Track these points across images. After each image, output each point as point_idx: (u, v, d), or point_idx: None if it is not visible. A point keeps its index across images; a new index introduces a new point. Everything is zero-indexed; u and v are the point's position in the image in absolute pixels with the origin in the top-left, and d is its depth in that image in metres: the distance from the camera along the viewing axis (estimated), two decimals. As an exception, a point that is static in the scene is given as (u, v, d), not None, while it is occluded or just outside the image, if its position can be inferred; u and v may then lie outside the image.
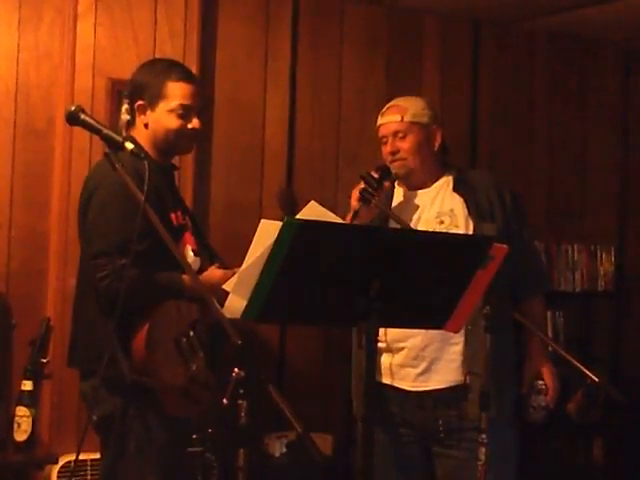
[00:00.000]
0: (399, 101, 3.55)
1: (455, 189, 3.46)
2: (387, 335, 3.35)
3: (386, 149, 3.49)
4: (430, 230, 3.28)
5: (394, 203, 3.51)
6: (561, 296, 5.22)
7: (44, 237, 4.19)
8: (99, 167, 3.09)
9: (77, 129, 2.88)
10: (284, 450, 4.36)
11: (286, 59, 4.71)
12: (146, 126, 3.17)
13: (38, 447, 4.06)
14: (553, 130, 5.39)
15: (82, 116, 2.73)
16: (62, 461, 4.04)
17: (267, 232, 2.39)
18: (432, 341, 3.30)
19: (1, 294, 4.08)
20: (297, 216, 2.82)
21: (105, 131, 2.70)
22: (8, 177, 4.15)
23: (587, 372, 2.85)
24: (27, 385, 4.02)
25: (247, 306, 2.40)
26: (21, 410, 3.99)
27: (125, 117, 3.24)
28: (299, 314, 2.55)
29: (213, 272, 3.10)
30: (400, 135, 3.46)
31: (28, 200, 4.18)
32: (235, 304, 2.47)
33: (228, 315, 2.42)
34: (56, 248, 4.17)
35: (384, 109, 3.54)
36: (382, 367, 3.39)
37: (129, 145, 2.67)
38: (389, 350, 3.38)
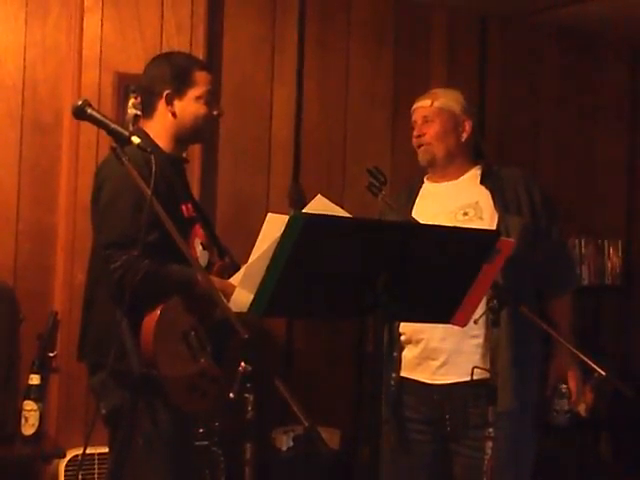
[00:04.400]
0: (435, 89, 3.62)
1: (482, 182, 3.46)
2: (407, 327, 3.36)
3: (414, 134, 3.51)
4: (437, 224, 3.26)
5: (420, 195, 3.51)
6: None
7: (51, 231, 4.20)
8: (108, 159, 3.10)
9: (84, 124, 2.88)
10: (291, 444, 4.36)
11: (293, 53, 4.71)
12: (174, 115, 3.19)
13: (46, 441, 4.07)
14: (561, 124, 5.38)
15: (89, 110, 2.72)
16: (70, 455, 4.05)
17: (274, 226, 2.39)
18: (451, 333, 3.27)
19: (9, 288, 4.08)
20: (304, 210, 2.81)
21: (112, 125, 2.70)
22: (15, 171, 4.16)
23: (595, 366, 2.84)
24: (35, 379, 4.03)
25: (254, 300, 2.41)
26: (29, 404, 4.00)
27: (132, 111, 3.25)
28: (306, 308, 2.55)
29: (230, 286, 2.97)
30: (428, 120, 3.47)
31: (35, 194, 4.19)
32: (242, 298, 2.47)
33: (235, 309, 2.43)
34: (63, 242, 4.18)
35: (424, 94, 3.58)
36: (403, 360, 3.39)
37: (136, 139, 2.67)
38: (409, 342, 3.38)
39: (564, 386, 3.43)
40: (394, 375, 3.37)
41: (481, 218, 3.36)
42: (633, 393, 2.92)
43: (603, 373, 2.84)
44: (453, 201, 3.42)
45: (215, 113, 3.25)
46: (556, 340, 3.19)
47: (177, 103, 3.19)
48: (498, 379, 3.06)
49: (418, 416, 3.38)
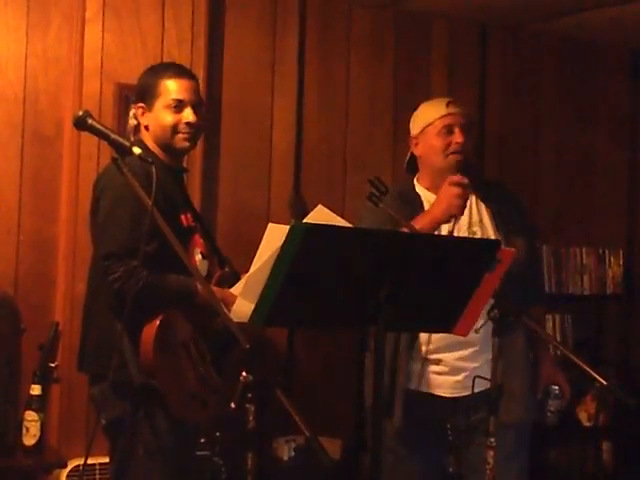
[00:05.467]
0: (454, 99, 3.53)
1: (482, 199, 3.45)
2: (429, 344, 3.33)
3: (453, 138, 3.39)
4: (439, 234, 3.27)
5: (425, 206, 3.43)
6: (570, 299, 5.22)
7: (53, 242, 4.20)
8: (107, 170, 3.11)
9: (85, 134, 2.90)
10: (292, 454, 4.36)
11: (293, 63, 4.71)
12: (147, 128, 3.20)
13: (47, 451, 4.07)
14: (561, 133, 5.38)
15: (90, 121, 2.73)
16: (71, 465, 4.04)
17: (275, 236, 2.40)
18: (472, 352, 3.31)
19: (10, 299, 4.08)
20: (305, 220, 2.81)
21: (113, 136, 2.71)
22: (16, 182, 4.16)
23: (596, 375, 2.84)
24: (36, 389, 4.03)
25: (255, 310, 2.41)
26: (30, 414, 4.00)
27: (133, 122, 3.26)
28: (307, 318, 2.55)
29: (231, 296, 2.99)
30: (466, 130, 3.41)
31: (36, 205, 4.19)
32: (243, 308, 2.47)
33: (236, 319, 2.43)
34: (64, 253, 4.18)
35: (443, 100, 3.49)
36: (419, 374, 3.36)
37: (137, 150, 2.68)
38: (428, 359, 3.36)
39: (555, 387, 3.46)
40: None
41: (489, 237, 3.37)
42: (635, 402, 2.91)
43: (605, 382, 2.83)
44: (462, 218, 3.37)
45: (184, 121, 3.17)
46: (559, 350, 3.21)
47: (147, 115, 3.20)
48: (514, 389, 3.09)
49: (432, 425, 3.38)
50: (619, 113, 5.55)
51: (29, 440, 4.00)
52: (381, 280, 2.44)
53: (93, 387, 3.11)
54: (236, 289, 2.97)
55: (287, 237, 2.33)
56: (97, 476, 4.01)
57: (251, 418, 2.29)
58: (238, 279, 3.11)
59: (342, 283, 2.45)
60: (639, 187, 5.60)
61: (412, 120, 3.55)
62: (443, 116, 3.44)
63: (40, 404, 4.03)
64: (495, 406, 2.94)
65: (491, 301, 2.87)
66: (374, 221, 3.27)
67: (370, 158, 4.84)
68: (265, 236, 2.52)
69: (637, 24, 5.01)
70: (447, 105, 3.46)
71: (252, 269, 2.52)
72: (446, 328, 2.74)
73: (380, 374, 2.56)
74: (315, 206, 2.93)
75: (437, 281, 2.58)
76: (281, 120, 4.69)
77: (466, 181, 3.23)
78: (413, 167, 3.57)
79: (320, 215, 2.85)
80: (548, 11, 4.93)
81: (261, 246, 2.51)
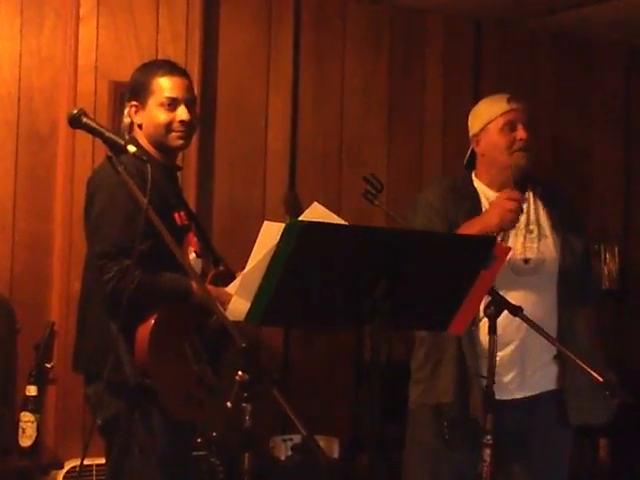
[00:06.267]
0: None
1: (539, 198, 3.42)
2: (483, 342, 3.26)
3: (517, 135, 3.34)
4: (432, 231, 3.25)
5: (484, 205, 3.37)
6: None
7: (47, 241, 4.19)
8: (100, 168, 3.10)
9: (80, 133, 2.89)
10: (289, 453, 4.34)
11: (288, 60, 4.70)
12: (140, 127, 3.19)
13: (43, 452, 4.05)
14: (556, 130, 5.38)
15: (84, 119, 2.73)
16: (67, 466, 4.03)
17: (270, 234, 2.39)
18: (522, 350, 3.28)
19: (5, 299, 4.07)
20: (300, 218, 2.80)
21: (107, 134, 2.70)
22: (11, 181, 4.15)
23: (592, 372, 2.84)
24: (32, 390, 4.01)
25: (251, 309, 2.40)
26: (26, 415, 3.98)
27: (128, 120, 3.25)
28: (303, 316, 2.55)
29: (226, 294, 2.97)
30: (526, 126, 3.36)
31: (31, 204, 4.18)
32: (239, 307, 2.46)
33: (232, 318, 2.42)
34: (60, 252, 4.16)
35: (504, 96, 3.44)
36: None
37: (131, 148, 2.68)
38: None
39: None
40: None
41: (546, 236, 3.37)
42: (632, 399, 2.91)
43: (601, 379, 2.83)
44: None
45: (178, 119, 3.16)
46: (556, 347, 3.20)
47: (141, 114, 3.19)
48: (583, 387, 3.18)
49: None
50: (615, 110, 5.54)
51: (25, 441, 3.98)
52: (377, 278, 2.43)
53: (88, 387, 3.10)
54: (231, 288, 2.95)
55: (282, 235, 2.32)
56: (94, 477, 4.00)
57: (247, 417, 2.28)
58: (233, 278, 3.10)
59: (338, 281, 2.45)
60: (634, 183, 5.60)
61: (471, 118, 3.49)
62: (505, 112, 3.38)
63: (36, 405, 4.01)
64: (492, 404, 2.93)
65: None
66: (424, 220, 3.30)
67: (365, 155, 4.83)
68: (260, 234, 2.51)
69: (632, 21, 5.01)
70: (508, 101, 3.40)
71: (247, 267, 2.51)
72: (442, 326, 2.73)
73: (377, 371, 2.55)
74: (310, 203, 2.92)
75: (433, 278, 2.57)
76: (276, 117, 4.68)
77: (523, 197, 3.18)
78: (470, 165, 3.51)
79: (315, 212, 2.84)
80: (543, 7, 4.93)
81: (256, 244, 2.50)
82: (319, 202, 2.88)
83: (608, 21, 5.06)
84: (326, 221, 2.73)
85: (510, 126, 3.36)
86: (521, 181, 3.23)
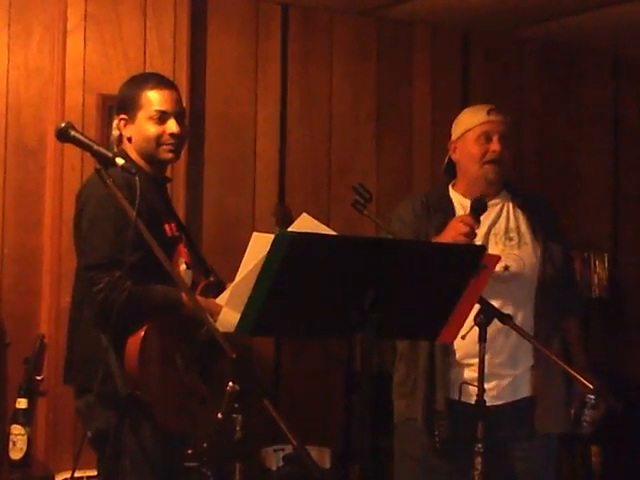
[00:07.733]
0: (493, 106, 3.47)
1: (519, 207, 3.43)
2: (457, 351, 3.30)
3: (490, 146, 3.36)
4: (422, 240, 3.27)
5: (458, 212, 3.39)
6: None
7: (37, 254, 4.18)
8: (89, 181, 3.11)
9: (68, 146, 2.89)
10: (281, 464, 4.34)
11: (276, 72, 4.71)
12: (129, 139, 3.19)
13: (34, 465, 4.04)
14: (544, 138, 5.39)
15: (72, 133, 2.73)
16: (58, 479, 4.01)
17: (259, 245, 2.40)
18: (502, 358, 3.30)
19: (-6, 312, 4.07)
20: (289, 229, 2.81)
21: (96, 147, 2.70)
22: (0, 194, 4.14)
23: (582, 379, 2.84)
24: (22, 403, 4.01)
25: (241, 320, 2.40)
26: (16, 428, 3.98)
27: (116, 132, 3.26)
28: (293, 326, 2.55)
29: (217, 305, 2.97)
30: (504, 140, 3.38)
31: (20, 217, 4.17)
32: (229, 318, 2.47)
33: (222, 329, 2.42)
34: (49, 265, 4.16)
35: (485, 107, 3.44)
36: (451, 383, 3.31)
37: (120, 161, 2.68)
38: (460, 366, 3.32)
39: (591, 397, 3.32)
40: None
41: (526, 244, 3.38)
42: (621, 406, 2.92)
43: (591, 387, 2.84)
44: (496, 223, 3.39)
45: (168, 132, 3.16)
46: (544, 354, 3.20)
47: (130, 127, 3.19)
48: (549, 399, 3.21)
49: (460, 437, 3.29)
50: (603, 117, 5.56)
51: (16, 454, 3.97)
52: (366, 287, 2.44)
53: (79, 400, 3.09)
54: (221, 299, 2.96)
55: (272, 246, 2.32)
56: (85, 489, 3.98)
57: (238, 428, 2.29)
58: (223, 289, 3.11)
59: (328, 291, 2.45)
60: (623, 191, 5.61)
61: (454, 125, 3.51)
62: (483, 122, 3.39)
63: (26, 418, 4.01)
64: (483, 412, 2.94)
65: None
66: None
67: (354, 165, 4.84)
68: (250, 245, 2.51)
69: (618, 28, 5.03)
70: (488, 112, 3.41)
71: (237, 278, 2.51)
72: (432, 335, 2.74)
73: (367, 381, 2.55)
74: (300, 214, 2.93)
75: (422, 288, 2.57)
76: (264, 128, 4.68)
77: (475, 224, 3.17)
78: (451, 171, 3.53)
79: (305, 223, 2.84)
80: (530, 17, 4.95)
81: (246, 255, 2.51)
82: (308, 212, 2.89)
83: (595, 30, 5.08)
84: (315, 232, 2.74)
85: (486, 137, 3.38)
86: (479, 207, 3.22)
